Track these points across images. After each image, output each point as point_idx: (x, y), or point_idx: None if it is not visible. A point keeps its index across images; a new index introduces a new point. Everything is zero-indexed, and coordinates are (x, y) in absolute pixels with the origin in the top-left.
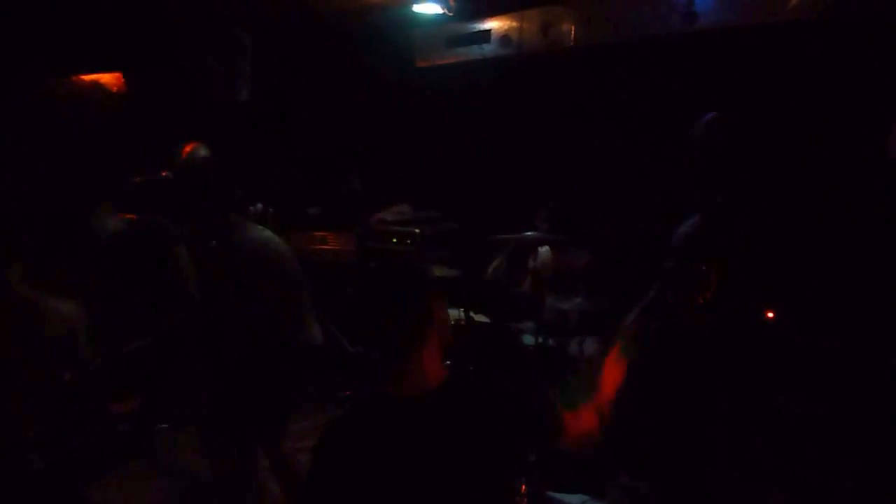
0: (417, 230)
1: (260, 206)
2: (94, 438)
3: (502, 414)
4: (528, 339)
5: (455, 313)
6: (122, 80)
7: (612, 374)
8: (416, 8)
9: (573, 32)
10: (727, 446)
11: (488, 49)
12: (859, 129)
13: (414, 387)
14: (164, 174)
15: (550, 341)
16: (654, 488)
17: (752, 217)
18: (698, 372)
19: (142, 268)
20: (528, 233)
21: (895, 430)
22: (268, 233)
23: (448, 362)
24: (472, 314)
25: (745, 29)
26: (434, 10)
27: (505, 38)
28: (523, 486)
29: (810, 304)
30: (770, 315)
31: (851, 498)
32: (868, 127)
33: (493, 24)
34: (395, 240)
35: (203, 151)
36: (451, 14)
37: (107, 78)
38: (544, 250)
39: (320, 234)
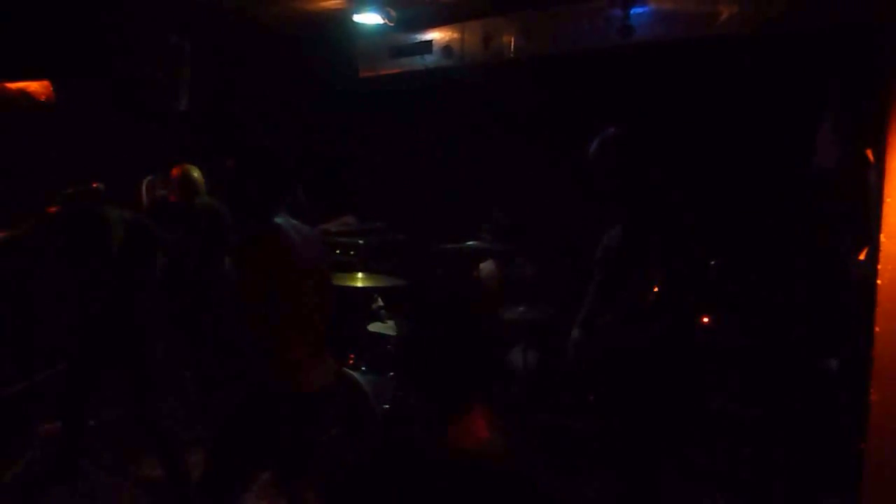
0: (361, 241)
1: None
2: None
3: None
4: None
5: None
6: (51, 88)
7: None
8: (357, 18)
9: (513, 44)
10: (671, 449)
11: (430, 59)
12: (788, 138)
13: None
14: (95, 185)
15: (494, 351)
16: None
17: (673, 226)
18: (643, 379)
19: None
20: (472, 243)
21: (827, 430)
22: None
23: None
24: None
25: (680, 43)
26: (375, 20)
27: (447, 48)
28: None
29: (743, 310)
30: (705, 320)
31: (787, 495)
32: (796, 136)
33: (435, 35)
34: (338, 251)
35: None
36: (392, 24)
37: (34, 86)
38: (488, 263)
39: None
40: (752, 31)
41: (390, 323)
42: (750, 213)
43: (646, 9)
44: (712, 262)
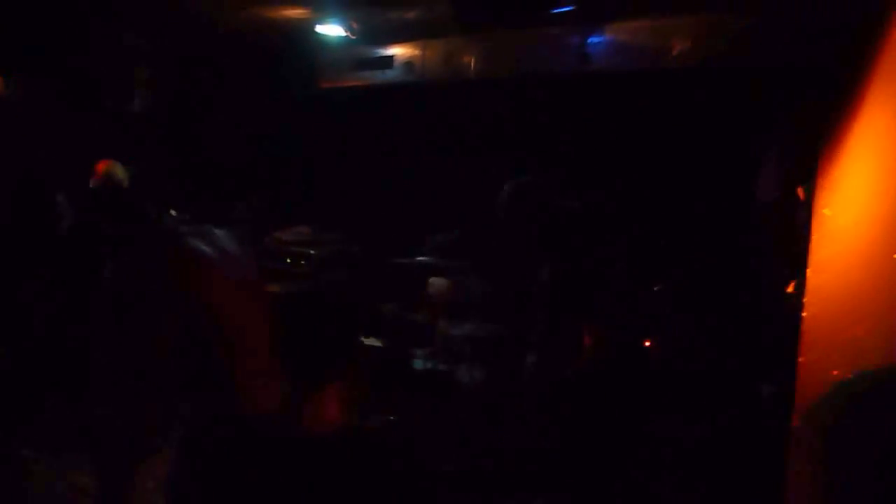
0: (313, 251)
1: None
2: None
3: None
4: (419, 364)
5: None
6: (2, 82)
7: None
8: (320, 29)
9: (474, 65)
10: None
11: (391, 74)
12: (733, 172)
13: (304, 429)
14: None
15: (441, 367)
16: None
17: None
18: (593, 403)
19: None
20: (424, 258)
21: (767, 450)
22: None
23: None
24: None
25: (634, 72)
26: (337, 31)
27: (408, 64)
28: None
29: (683, 334)
30: (647, 343)
31: None
32: (741, 170)
33: (397, 51)
34: (289, 260)
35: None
36: (354, 37)
37: None
38: (438, 279)
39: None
40: (702, 65)
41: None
42: (693, 243)
43: (602, 38)
44: (655, 288)
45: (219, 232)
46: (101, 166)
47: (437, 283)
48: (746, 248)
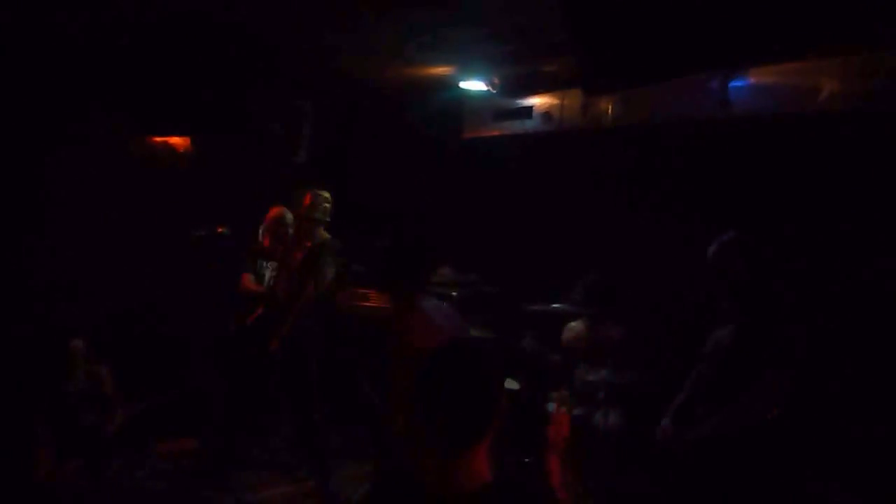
0: (454, 293)
1: None
2: None
3: None
4: (552, 408)
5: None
6: (189, 142)
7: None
8: (463, 85)
9: (611, 112)
10: None
11: (530, 124)
12: (889, 216)
13: (457, 486)
14: (220, 230)
15: (576, 411)
16: None
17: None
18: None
19: None
20: (561, 305)
21: None
22: None
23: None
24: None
25: (779, 117)
26: (479, 86)
27: (546, 114)
28: None
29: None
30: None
31: None
32: None
33: (536, 101)
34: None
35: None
36: (494, 91)
37: (176, 140)
38: (577, 324)
39: (362, 290)
40: (854, 108)
41: None
42: (852, 301)
43: (745, 82)
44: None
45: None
46: (273, 213)
47: (575, 327)
48: None
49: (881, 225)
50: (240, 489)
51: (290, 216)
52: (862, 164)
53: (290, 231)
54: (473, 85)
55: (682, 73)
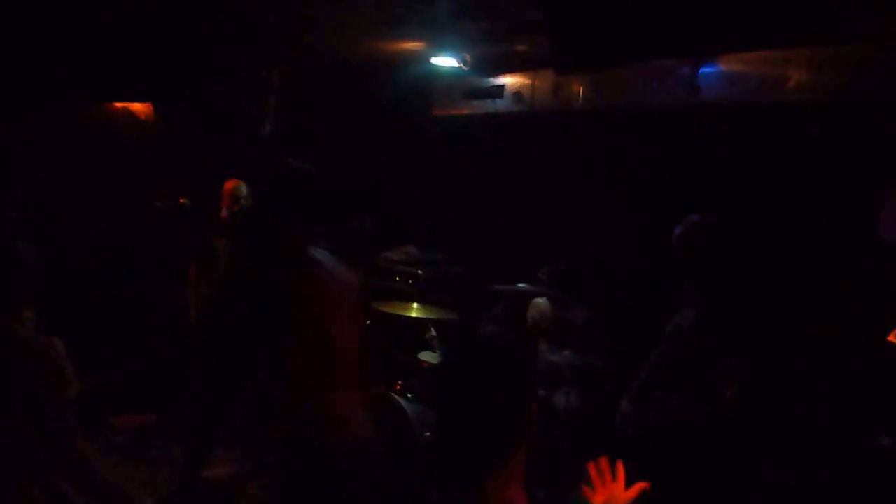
0: (420, 271)
1: None
2: None
3: None
4: None
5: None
6: (151, 109)
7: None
8: (435, 61)
9: (582, 94)
10: None
11: (501, 104)
12: (852, 207)
13: None
14: (182, 201)
15: (539, 392)
16: None
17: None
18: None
19: None
20: (527, 286)
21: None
22: None
23: None
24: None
25: (746, 105)
26: (451, 64)
27: (517, 94)
28: None
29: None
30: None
31: None
32: (860, 205)
33: (507, 81)
34: (397, 278)
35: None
36: (466, 69)
37: (137, 107)
38: (543, 302)
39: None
40: (820, 98)
41: (440, 353)
42: (808, 283)
43: (714, 70)
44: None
45: (328, 253)
46: (228, 185)
47: (540, 304)
48: (866, 292)
49: (844, 213)
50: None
51: (244, 189)
52: (827, 154)
53: (244, 203)
54: (445, 62)
55: (651, 56)
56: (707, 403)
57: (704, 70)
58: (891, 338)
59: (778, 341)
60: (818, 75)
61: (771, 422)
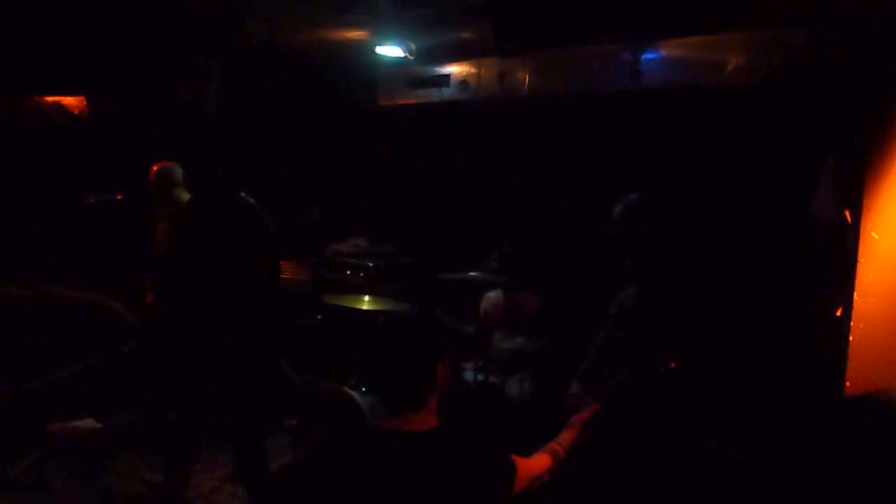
0: (371, 264)
1: None
2: None
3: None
4: (469, 376)
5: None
6: (85, 102)
7: (571, 433)
8: (379, 50)
9: (528, 82)
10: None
11: (447, 92)
12: (787, 187)
13: (409, 429)
14: (118, 197)
15: (492, 379)
16: None
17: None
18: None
19: None
20: (477, 273)
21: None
22: None
23: None
24: None
25: (686, 89)
26: (396, 52)
27: (463, 83)
28: None
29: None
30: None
31: None
32: (795, 186)
33: (453, 69)
34: (348, 272)
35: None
36: (412, 58)
37: (69, 100)
38: (495, 294)
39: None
40: (757, 82)
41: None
42: (745, 264)
43: (655, 55)
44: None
45: None
46: (156, 167)
47: (492, 296)
48: (799, 269)
49: (780, 192)
50: (147, 469)
51: (177, 172)
52: (763, 135)
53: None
54: (390, 51)
55: (591, 38)
56: (651, 379)
57: (646, 56)
58: (837, 313)
59: (717, 315)
60: (754, 59)
61: (714, 396)
